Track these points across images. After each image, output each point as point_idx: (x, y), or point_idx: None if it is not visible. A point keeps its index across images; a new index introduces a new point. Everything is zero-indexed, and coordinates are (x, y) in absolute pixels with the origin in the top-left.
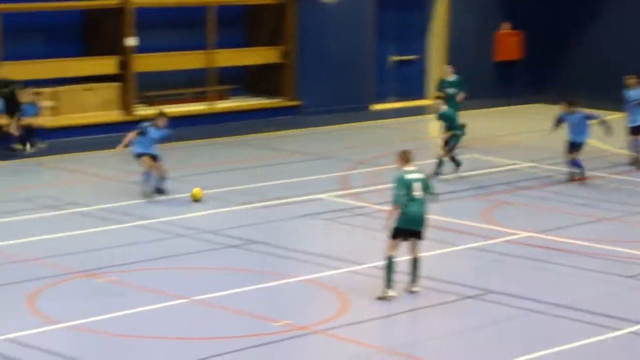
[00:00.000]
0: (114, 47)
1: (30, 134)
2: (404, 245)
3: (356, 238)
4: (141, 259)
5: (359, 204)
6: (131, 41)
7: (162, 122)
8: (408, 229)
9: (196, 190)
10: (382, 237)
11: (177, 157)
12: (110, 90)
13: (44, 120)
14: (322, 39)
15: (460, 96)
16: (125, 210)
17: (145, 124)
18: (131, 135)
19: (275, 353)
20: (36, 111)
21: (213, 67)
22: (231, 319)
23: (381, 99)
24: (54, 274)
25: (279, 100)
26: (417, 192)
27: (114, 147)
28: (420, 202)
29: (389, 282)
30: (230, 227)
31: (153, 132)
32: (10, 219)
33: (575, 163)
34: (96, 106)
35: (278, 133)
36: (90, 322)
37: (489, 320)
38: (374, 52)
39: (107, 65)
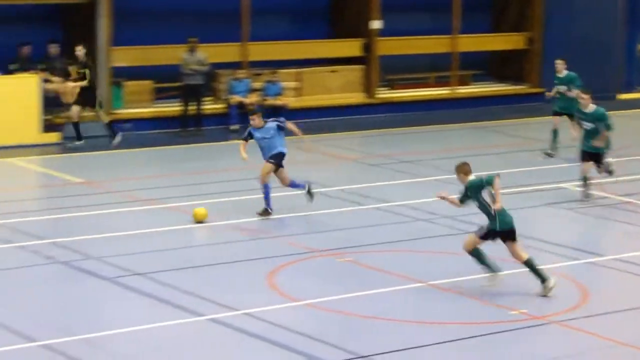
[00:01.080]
0: (358, 30)
1: (274, 113)
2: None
3: (598, 229)
4: (379, 241)
5: (601, 194)
6: (376, 24)
7: (256, 121)
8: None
9: (199, 212)
10: (626, 229)
11: (417, 141)
12: (354, 72)
13: (288, 101)
14: (569, 25)
15: (577, 93)
16: (364, 192)
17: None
18: (242, 146)
19: (510, 342)
20: (278, 91)
21: (456, 52)
22: (467, 305)
23: (629, 88)
24: (294, 252)
25: (523, 86)
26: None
27: (355, 130)
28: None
29: (541, 276)
30: (470, 213)
31: (255, 133)
32: (250, 197)
33: None
34: (339, 88)
35: (521, 120)
36: (327, 301)
37: None
38: (623, 40)
39: (351, 47)
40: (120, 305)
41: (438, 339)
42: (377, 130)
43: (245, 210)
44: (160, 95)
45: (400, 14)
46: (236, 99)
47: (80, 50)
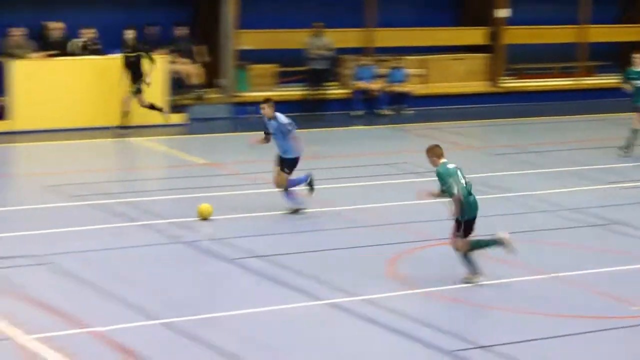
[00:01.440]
0: (485, 18)
1: (398, 100)
2: None
3: None
4: (500, 230)
5: None
6: (503, 12)
7: (267, 111)
8: (474, 217)
9: (204, 209)
10: None
11: (541, 131)
12: (479, 60)
13: (413, 88)
14: None
15: None
16: (489, 182)
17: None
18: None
19: (630, 337)
20: (403, 78)
21: (584, 43)
22: (588, 299)
23: None
24: (413, 239)
25: None
26: (463, 181)
27: (479, 118)
28: (469, 189)
29: (475, 269)
30: (592, 206)
31: (268, 125)
32: (374, 182)
33: None
34: (463, 76)
35: None
36: (447, 289)
37: None
38: None
39: (477, 35)
40: (240, 287)
41: (556, 332)
42: (501, 119)
43: (365, 196)
44: (285, 79)
45: (529, 3)
46: (361, 85)
47: (129, 35)
